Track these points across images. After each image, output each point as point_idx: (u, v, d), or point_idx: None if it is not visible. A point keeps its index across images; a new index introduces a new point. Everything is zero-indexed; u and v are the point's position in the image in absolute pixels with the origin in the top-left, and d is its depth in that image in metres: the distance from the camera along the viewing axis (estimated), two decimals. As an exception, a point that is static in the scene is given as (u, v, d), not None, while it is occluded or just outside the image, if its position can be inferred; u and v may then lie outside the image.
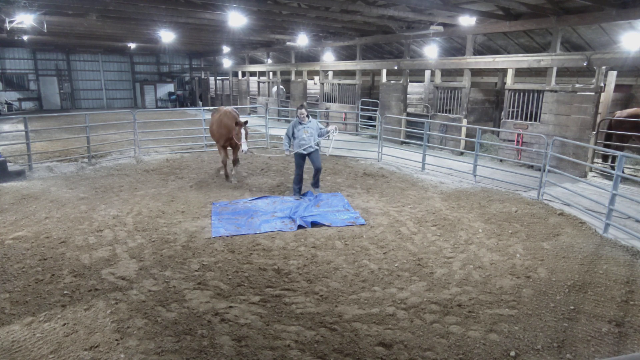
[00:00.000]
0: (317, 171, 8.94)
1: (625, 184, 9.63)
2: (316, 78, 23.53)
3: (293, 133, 8.73)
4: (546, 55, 11.48)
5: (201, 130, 14.88)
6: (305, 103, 9.01)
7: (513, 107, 12.43)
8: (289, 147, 8.89)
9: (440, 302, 4.89)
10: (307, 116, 8.87)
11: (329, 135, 8.86)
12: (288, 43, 21.04)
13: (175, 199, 8.74)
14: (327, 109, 19.53)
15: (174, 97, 35.83)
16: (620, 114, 11.39)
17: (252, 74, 26.77)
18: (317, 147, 8.88)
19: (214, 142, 15.46)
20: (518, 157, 11.96)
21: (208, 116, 17.60)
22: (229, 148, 10.39)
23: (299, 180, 8.93)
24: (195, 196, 8.94)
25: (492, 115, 15.71)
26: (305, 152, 8.69)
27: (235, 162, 10.36)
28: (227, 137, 9.86)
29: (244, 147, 9.04)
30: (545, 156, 8.70)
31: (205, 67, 35.86)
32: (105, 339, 4.13)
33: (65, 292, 5.02)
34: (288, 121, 21.99)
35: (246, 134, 9.14)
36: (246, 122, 9.22)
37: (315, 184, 9.10)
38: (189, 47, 29.92)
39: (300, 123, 8.73)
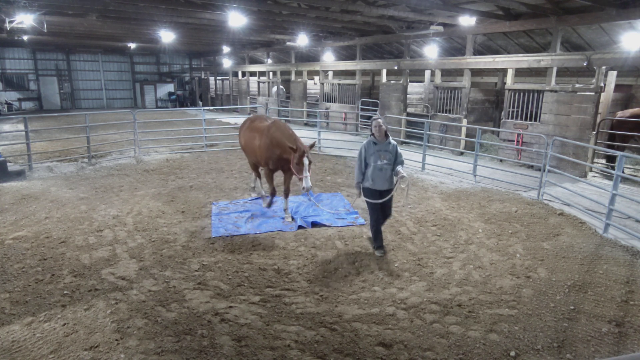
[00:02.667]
0: (385, 219, 6.28)
1: (625, 184, 9.62)
2: (316, 78, 23.54)
3: (366, 158, 5.93)
4: (546, 55, 11.48)
5: (201, 130, 14.88)
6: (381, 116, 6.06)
7: (513, 107, 12.43)
8: (362, 181, 5.99)
9: (440, 302, 4.89)
10: (386, 134, 5.99)
11: (398, 181, 5.93)
12: (288, 43, 21.05)
13: (175, 199, 8.74)
14: (327, 109, 19.54)
15: (174, 97, 35.84)
16: (622, 114, 11.38)
17: (252, 74, 26.78)
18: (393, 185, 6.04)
19: (213, 142, 15.67)
20: (518, 157, 11.96)
21: (208, 116, 17.58)
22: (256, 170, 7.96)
23: (378, 230, 6.17)
24: (195, 196, 8.94)
25: (492, 115, 15.72)
26: (382, 189, 5.94)
27: (288, 192, 7.68)
28: (280, 158, 7.13)
29: (305, 183, 6.49)
30: (545, 156, 8.70)
31: (205, 67, 35.86)
32: (105, 339, 4.13)
33: (65, 292, 5.02)
34: (288, 121, 22.04)
35: (309, 163, 6.57)
36: (312, 145, 6.80)
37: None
38: (189, 47, 29.93)
39: (375, 143, 5.91)
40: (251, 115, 8.12)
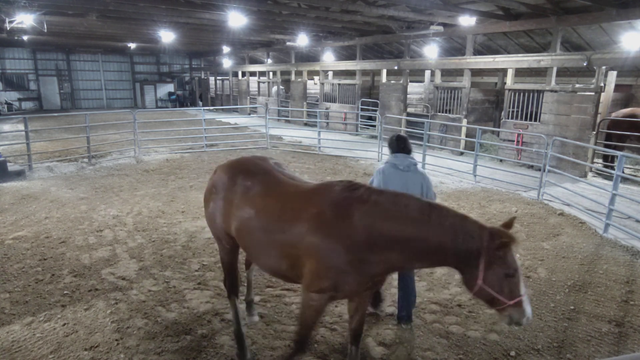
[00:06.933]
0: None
1: (625, 184, 9.62)
2: (316, 78, 23.54)
3: None
4: (546, 55, 11.48)
5: (201, 130, 14.89)
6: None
7: (513, 107, 12.43)
8: None
9: (440, 302, 4.89)
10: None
11: None
12: (288, 43, 21.05)
13: (175, 199, 8.73)
14: (327, 109, 19.54)
15: (174, 97, 35.82)
16: (616, 114, 11.40)
17: (252, 74, 26.77)
18: None
19: (213, 142, 15.68)
20: (518, 157, 11.96)
21: (208, 116, 17.49)
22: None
23: None
24: (195, 196, 8.93)
25: (492, 115, 15.71)
26: None
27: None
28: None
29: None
30: (545, 156, 8.70)
31: (205, 67, 35.85)
32: (105, 339, 4.13)
33: (65, 292, 5.02)
34: (288, 121, 22.00)
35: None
36: None
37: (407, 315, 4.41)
38: (189, 47, 29.93)
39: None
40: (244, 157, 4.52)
